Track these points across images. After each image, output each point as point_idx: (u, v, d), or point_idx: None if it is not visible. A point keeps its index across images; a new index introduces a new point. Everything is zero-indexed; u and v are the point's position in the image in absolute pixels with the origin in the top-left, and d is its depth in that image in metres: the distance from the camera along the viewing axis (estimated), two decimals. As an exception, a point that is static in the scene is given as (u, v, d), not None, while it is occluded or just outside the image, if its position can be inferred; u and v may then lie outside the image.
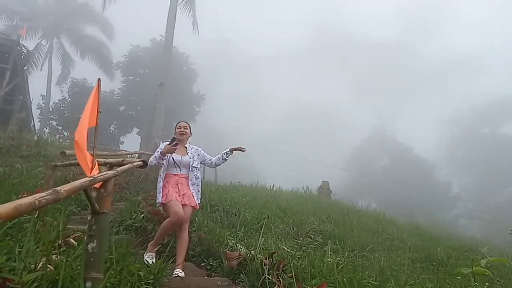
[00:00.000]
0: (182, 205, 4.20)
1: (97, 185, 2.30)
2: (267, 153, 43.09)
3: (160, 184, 4.37)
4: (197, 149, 4.70)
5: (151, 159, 4.34)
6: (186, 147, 4.64)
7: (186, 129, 4.68)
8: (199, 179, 4.66)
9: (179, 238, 4.19)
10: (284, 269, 3.78)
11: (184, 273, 3.89)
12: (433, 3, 65.61)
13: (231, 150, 4.66)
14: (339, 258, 4.68)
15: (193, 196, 4.42)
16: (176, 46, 24.00)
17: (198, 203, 4.52)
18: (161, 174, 4.43)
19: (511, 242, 11.72)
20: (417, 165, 42.87)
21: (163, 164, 4.38)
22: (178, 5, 17.43)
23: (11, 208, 1.22)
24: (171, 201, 4.16)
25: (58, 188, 1.62)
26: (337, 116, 58.29)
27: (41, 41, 29.51)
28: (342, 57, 63.07)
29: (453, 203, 40.43)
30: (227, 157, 4.65)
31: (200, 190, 4.65)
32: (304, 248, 5.83)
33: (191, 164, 4.50)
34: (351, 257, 5.57)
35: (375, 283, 3.75)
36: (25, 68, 19.98)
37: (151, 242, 4.25)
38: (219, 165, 4.77)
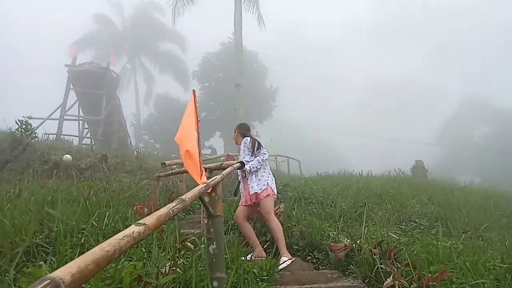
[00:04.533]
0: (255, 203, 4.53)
1: (209, 190, 2.42)
2: (349, 139, 41.78)
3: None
4: (243, 142, 4.85)
5: (255, 164, 4.60)
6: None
7: (235, 133, 5.16)
8: (255, 168, 4.58)
9: (270, 230, 4.50)
10: (395, 257, 3.62)
11: (293, 267, 3.95)
12: None
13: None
14: (454, 241, 4.34)
15: (253, 188, 4.51)
16: (244, 45, 24.56)
17: (262, 190, 4.48)
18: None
19: None
20: (523, 130, 37.90)
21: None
22: (242, 4, 17.73)
23: (155, 219, 1.34)
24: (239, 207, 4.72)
25: (183, 197, 1.74)
26: (421, 89, 53.92)
27: (126, 63, 32.46)
28: (415, 24, 58.12)
29: None
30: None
31: (262, 178, 4.58)
32: (409, 233, 5.52)
33: (240, 158, 4.72)
34: (466, 239, 5.13)
35: (504, 265, 3.38)
36: (116, 91, 22.12)
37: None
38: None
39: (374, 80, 56.09)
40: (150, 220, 1.30)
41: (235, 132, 5.18)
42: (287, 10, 60.73)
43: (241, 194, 4.85)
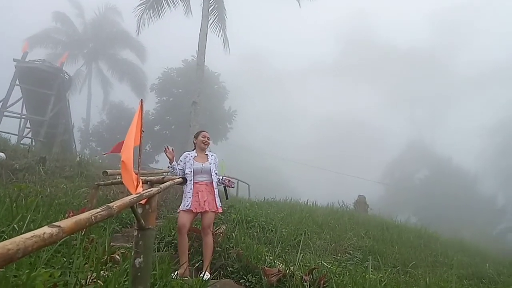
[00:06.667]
0: (203, 212, 4.49)
1: (143, 202, 2.38)
2: (300, 168, 42.72)
3: (185, 192, 4.64)
4: (216, 157, 4.98)
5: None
6: (207, 155, 4.92)
7: (209, 139, 5.07)
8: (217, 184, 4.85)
9: (204, 243, 4.48)
10: (325, 285, 3.71)
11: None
12: (468, 7, 63.51)
13: (223, 183, 4.83)
14: (381, 275, 4.53)
15: (215, 201, 4.62)
16: (207, 65, 24.65)
17: (220, 206, 4.70)
18: (189, 183, 4.64)
19: None
20: (458, 177, 41.08)
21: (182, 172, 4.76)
22: (208, 25, 17.91)
23: (73, 223, 1.29)
24: (180, 213, 4.55)
25: (111, 205, 1.69)
26: (372, 129, 57.05)
27: (81, 66, 31.24)
28: (374, 67, 62.20)
29: (500, 217, 38.11)
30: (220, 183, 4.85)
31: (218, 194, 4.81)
32: (343, 264, 5.69)
33: (211, 169, 4.75)
34: (394, 273, 5.38)
35: (422, 300, 3.59)
36: (67, 93, 21.12)
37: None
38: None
39: (330, 115, 58.56)
40: (66, 223, 1.25)
41: (209, 137, 5.11)
42: (254, 38, 62.42)
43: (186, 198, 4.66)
